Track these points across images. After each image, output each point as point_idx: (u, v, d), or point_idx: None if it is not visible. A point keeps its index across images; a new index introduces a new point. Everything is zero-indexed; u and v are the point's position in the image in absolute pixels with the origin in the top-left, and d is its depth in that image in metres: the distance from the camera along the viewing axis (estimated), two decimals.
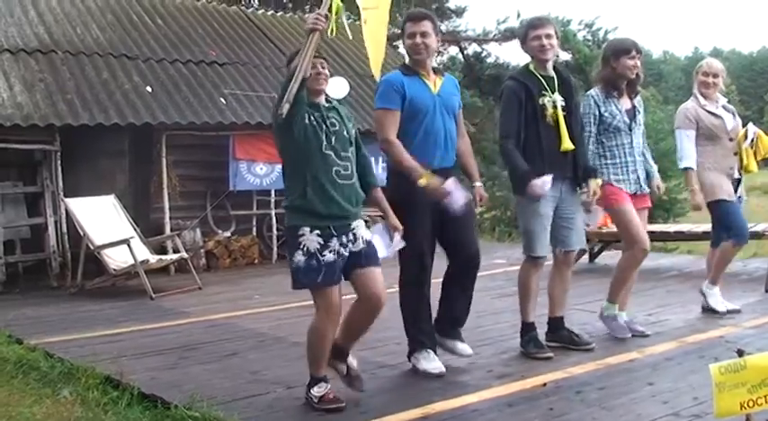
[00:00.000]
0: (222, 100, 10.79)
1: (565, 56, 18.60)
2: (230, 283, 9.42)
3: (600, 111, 5.58)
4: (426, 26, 4.91)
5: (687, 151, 6.34)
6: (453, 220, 4.87)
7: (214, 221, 10.96)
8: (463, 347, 5.11)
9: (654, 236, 9.66)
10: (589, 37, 19.00)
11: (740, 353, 3.78)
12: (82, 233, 8.91)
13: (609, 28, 19.98)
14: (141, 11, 12.44)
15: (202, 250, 10.63)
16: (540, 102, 5.18)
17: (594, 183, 5.35)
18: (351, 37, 5.19)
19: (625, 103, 5.67)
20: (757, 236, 8.03)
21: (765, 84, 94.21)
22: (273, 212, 11.08)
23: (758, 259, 10.00)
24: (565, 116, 5.22)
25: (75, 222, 9.08)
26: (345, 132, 4.36)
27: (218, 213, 11.00)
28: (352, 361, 4.58)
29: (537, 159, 5.12)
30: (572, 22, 19.57)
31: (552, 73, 5.31)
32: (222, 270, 10.63)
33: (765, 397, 3.72)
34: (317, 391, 4.33)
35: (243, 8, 14.47)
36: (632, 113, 5.68)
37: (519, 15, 20.02)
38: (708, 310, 6.48)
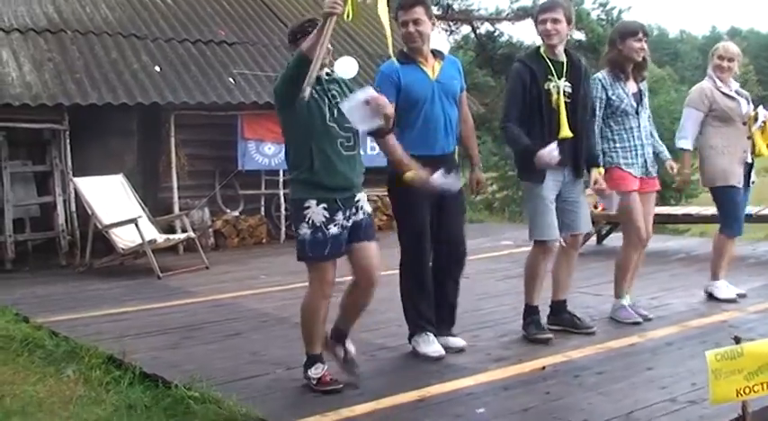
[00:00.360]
0: (231, 80, 10.79)
1: (578, 35, 18.47)
2: (237, 263, 9.46)
3: (607, 95, 5.55)
4: (418, 13, 4.85)
5: (689, 131, 6.29)
6: (443, 215, 4.91)
7: (222, 201, 10.99)
8: (455, 341, 5.09)
9: (661, 218, 9.64)
10: (603, 16, 18.85)
11: (737, 340, 3.77)
12: (90, 212, 8.97)
13: (623, 7, 19.81)
14: None
15: (210, 229, 10.67)
16: (546, 87, 5.13)
17: (596, 172, 5.33)
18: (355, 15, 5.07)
19: (632, 87, 5.64)
20: (763, 219, 7.97)
21: None
22: (282, 192, 11.06)
23: (767, 242, 9.95)
24: (570, 102, 5.17)
25: (83, 201, 9.14)
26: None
27: (226, 193, 11.02)
28: (350, 346, 4.59)
29: (540, 144, 5.06)
30: (585, 0, 19.38)
31: (562, 57, 5.24)
32: (230, 249, 10.67)
33: (762, 384, 3.71)
34: (314, 373, 4.36)
35: None
36: (639, 97, 5.66)
37: None
38: (714, 298, 6.42)
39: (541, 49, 5.25)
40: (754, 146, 6.40)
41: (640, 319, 5.68)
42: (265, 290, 7.57)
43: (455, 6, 21.03)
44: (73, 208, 9.71)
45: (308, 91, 3.96)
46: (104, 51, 10.57)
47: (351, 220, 4.32)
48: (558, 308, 5.56)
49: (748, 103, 6.45)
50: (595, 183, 5.34)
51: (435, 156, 4.85)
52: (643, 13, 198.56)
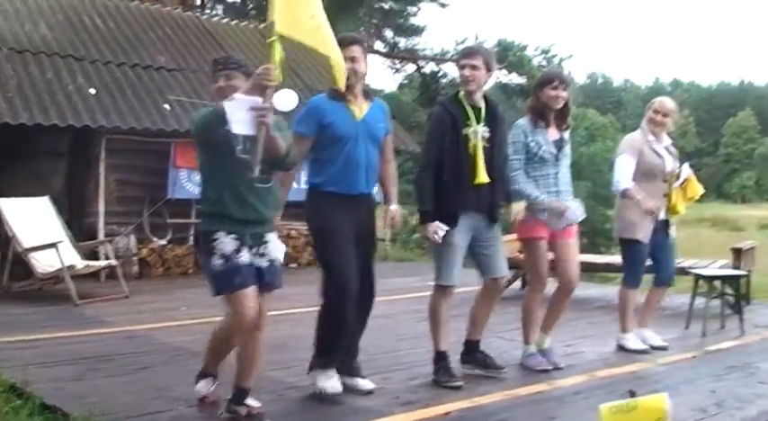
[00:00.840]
0: (167, 106, 10.73)
1: (519, 80, 18.80)
2: (160, 293, 9.33)
3: (527, 141, 5.61)
4: (356, 51, 4.87)
5: (625, 175, 6.31)
6: (358, 262, 4.89)
7: (150, 228, 10.87)
8: (364, 383, 5.06)
9: (583, 266, 9.78)
10: (544, 62, 19.22)
11: (632, 394, 3.84)
12: (11, 234, 8.79)
13: (563, 55, 20.23)
14: (93, 12, 12.37)
15: (135, 257, 10.52)
16: (464, 132, 5.20)
17: (517, 206, 5.37)
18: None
19: (552, 134, 5.70)
20: (683, 272, 8.12)
21: (722, 117, 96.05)
22: None
23: (685, 295, 10.11)
24: (488, 148, 5.24)
25: (4, 223, 8.94)
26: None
27: (154, 220, 10.91)
28: (253, 403, 4.51)
29: (455, 189, 5.14)
30: (528, 47, 19.76)
31: (481, 103, 5.32)
32: (154, 278, 10.54)
33: None
34: (201, 386, 4.45)
35: (198, 14, 14.38)
36: (559, 144, 5.71)
37: (477, 37, 20.26)
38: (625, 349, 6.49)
39: (460, 94, 5.32)
40: (669, 202, 6.49)
41: (549, 367, 5.71)
42: (183, 322, 7.47)
43: (401, 45, 21.28)
44: None
45: (257, 170, 4.02)
46: (39, 71, 10.45)
47: (257, 262, 4.29)
48: (472, 347, 5.59)
49: (674, 161, 6.54)
50: (516, 214, 5.41)
51: (353, 195, 4.88)
52: (589, 62, 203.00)
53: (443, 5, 22.22)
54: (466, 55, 5.32)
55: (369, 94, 5.07)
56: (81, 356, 6.01)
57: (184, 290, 9.61)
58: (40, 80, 10.28)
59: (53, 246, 8.43)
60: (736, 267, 8.30)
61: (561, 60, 19.27)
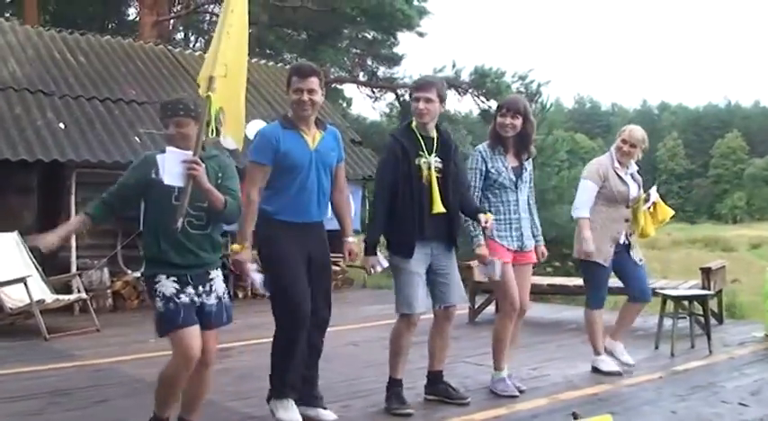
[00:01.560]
0: (137, 139, 10.74)
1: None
2: (131, 326, 9.27)
3: (486, 167, 5.62)
4: (314, 83, 4.84)
5: (585, 202, 6.37)
6: (313, 290, 4.88)
7: (124, 261, 10.83)
8: (326, 414, 5.02)
9: (555, 288, 9.83)
10: (522, 89, 19.30)
11: (575, 417, 3.83)
12: None
13: (542, 81, 20.33)
14: (64, 47, 12.42)
15: (109, 291, 10.48)
16: (416, 162, 5.20)
17: (485, 216, 5.30)
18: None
19: (512, 161, 5.71)
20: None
21: (710, 139, 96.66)
22: None
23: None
24: (441, 178, 5.25)
25: None
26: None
27: (129, 253, 10.87)
28: None
29: (410, 219, 5.14)
30: (506, 73, 19.85)
31: (433, 133, 5.33)
32: (129, 311, 10.49)
33: None
34: None
35: (170, 48, 14.45)
36: (519, 171, 5.72)
37: (454, 65, 20.28)
38: (599, 371, 6.46)
39: (413, 125, 5.33)
40: (637, 225, 6.52)
41: (517, 393, 5.69)
42: (150, 354, 7.36)
43: (379, 74, 21.36)
44: None
45: (179, 222, 4.04)
46: (8, 106, 10.48)
47: (200, 300, 4.27)
48: (435, 378, 5.56)
49: (639, 189, 6.57)
50: (486, 222, 5.34)
51: (305, 223, 4.88)
52: (577, 86, 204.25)
53: (421, 35, 22.34)
54: (420, 88, 5.29)
55: (321, 122, 5.05)
56: (42, 391, 5.98)
57: None
58: (8, 116, 10.30)
59: (21, 280, 8.38)
60: (705, 287, 8.29)
61: (539, 86, 19.36)
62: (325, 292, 5.05)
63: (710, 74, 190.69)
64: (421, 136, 5.28)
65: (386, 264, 5.19)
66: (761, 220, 75.64)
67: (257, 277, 4.81)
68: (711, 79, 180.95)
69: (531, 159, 5.91)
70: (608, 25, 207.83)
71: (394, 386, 5.34)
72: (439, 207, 5.19)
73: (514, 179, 5.66)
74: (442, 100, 5.32)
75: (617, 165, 6.45)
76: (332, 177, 5.09)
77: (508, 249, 5.66)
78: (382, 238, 5.31)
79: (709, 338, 7.32)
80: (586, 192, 6.41)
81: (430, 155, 5.25)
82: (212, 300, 4.32)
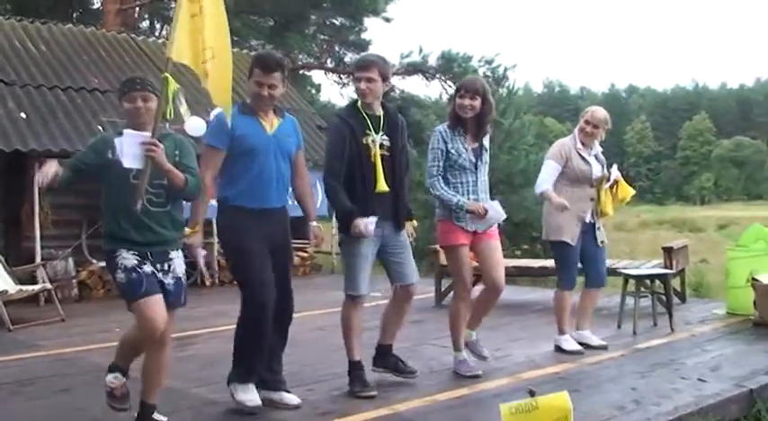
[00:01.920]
0: (100, 128, 10.64)
1: None
2: (97, 315, 9.22)
3: (447, 148, 5.62)
4: (276, 78, 4.82)
5: (546, 179, 6.40)
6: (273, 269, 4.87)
7: (89, 251, 10.77)
8: (290, 398, 5.02)
9: (520, 270, 9.87)
10: (489, 73, 19.35)
11: (532, 394, 3.85)
12: None
13: (508, 65, 20.38)
14: (25, 36, 12.28)
15: (74, 280, 10.41)
16: (364, 141, 5.21)
17: (410, 226, 5.42)
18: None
19: (471, 142, 5.70)
20: (614, 273, 8.19)
21: (678, 121, 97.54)
22: None
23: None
24: (388, 156, 5.27)
25: None
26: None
27: (94, 242, 10.76)
28: (161, 418, 4.56)
29: (359, 198, 5.14)
30: (473, 58, 19.89)
31: (379, 111, 5.33)
32: (95, 301, 10.44)
33: None
34: (111, 380, 4.51)
35: (133, 36, 14.31)
36: (479, 152, 5.71)
37: (421, 50, 20.28)
38: (561, 350, 6.53)
39: (358, 104, 5.33)
40: (597, 208, 6.56)
41: (479, 373, 5.72)
42: (114, 344, 7.33)
43: (346, 60, 21.29)
44: None
45: (139, 204, 4.11)
46: None
47: (159, 278, 4.31)
48: (384, 351, 5.62)
49: (602, 169, 6.61)
50: (411, 236, 5.44)
51: (265, 209, 4.86)
52: (545, 70, 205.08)
53: (388, 20, 22.38)
54: (361, 67, 5.28)
55: (279, 109, 5.04)
56: (5, 381, 5.96)
57: (122, 311, 9.25)
58: None
59: None
60: (668, 266, 8.38)
61: (506, 70, 19.42)
62: (287, 278, 5.04)
63: (678, 56, 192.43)
64: (367, 114, 5.28)
65: (374, 222, 5.12)
66: (728, 201, 76.60)
67: (201, 253, 4.79)
68: (679, 62, 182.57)
69: (487, 138, 5.87)
70: (576, 9, 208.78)
71: (355, 369, 5.36)
72: (382, 185, 5.20)
73: (474, 160, 5.65)
74: (385, 78, 5.30)
75: (580, 146, 6.50)
76: (291, 164, 5.06)
77: (465, 231, 5.66)
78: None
79: (670, 316, 7.41)
80: (547, 170, 6.45)
81: (377, 133, 5.26)
82: (170, 280, 4.36)
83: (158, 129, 4.18)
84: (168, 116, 4.24)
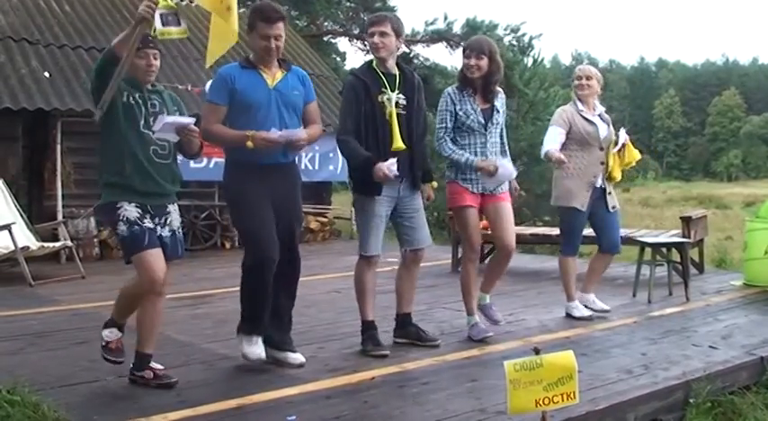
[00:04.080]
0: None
1: None
2: (116, 274, 9.21)
3: (455, 109, 5.58)
4: (280, 28, 4.78)
5: (550, 140, 6.34)
6: (278, 235, 4.84)
7: None
8: (294, 357, 5.01)
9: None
10: (514, 42, 19.22)
11: (536, 351, 3.86)
12: None
13: (533, 34, 20.21)
14: None
15: (96, 239, 10.53)
16: (379, 99, 5.19)
17: (429, 187, 5.40)
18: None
19: (481, 103, 5.65)
20: (630, 241, 8.17)
21: (708, 96, 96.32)
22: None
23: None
24: (404, 115, 5.25)
25: None
26: (166, 114, 4.42)
27: None
28: (156, 365, 4.65)
29: (374, 156, 5.12)
30: (498, 26, 19.75)
31: (395, 70, 5.31)
32: (115, 259, 10.51)
33: (562, 394, 3.81)
34: (107, 334, 4.58)
35: None
36: (489, 113, 5.65)
37: (446, 17, 20.19)
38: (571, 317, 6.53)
39: (374, 63, 5.31)
40: (607, 169, 6.52)
41: (490, 334, 5.74)
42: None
43: None
44: None
45: (98, 114, 4.19)
46: None
47: (158, 232, 4.39)
48: (404, 320, 5.62)
49: (608, 127, 6.55)
50: (428, 198, 5.45)
51: (269, 164, 4.81)
52: (574, 42, 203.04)
53: None
54: (374, 23, 5.26)
55: (285, 62, 4.97)
56: (23, 333, 6.07)
57: None
58: None
59: (6, 227, 8.42)
60: (686, 236, 8.34)
61: (531, 39, 19.27)
62: (293, 237, 5.00)
63: (709, 30, 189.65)
64: (382, 73, 5.26)
65: (395, 163, 5.08)
66: (756, 178, 75.73)
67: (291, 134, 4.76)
68: (710, 36, 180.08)
69: (503, 102, 5.82)
70: None
71: (368, 329, 5.39)
72: (399, 143, 5.17)
73: (483, 122, 5.60)
74: (398, 35, 5.28)
75: (581, 107, 6.46)
76: (299, 118, 4.98)
77: (473, 193, 5.64)
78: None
79: (686, 286, 7.38)
80: (550, 135, 6.41)
81: (392, 91, 5.24)
82: (167, 233, 4.47)
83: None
84: (153, 33, 4.30)
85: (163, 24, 4.22)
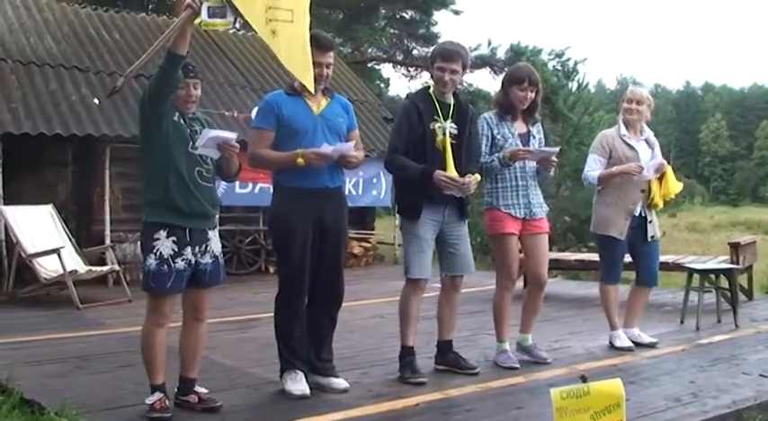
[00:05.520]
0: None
1: None
2: None
3: (492, 134, 5.61)
4: (331, 57, 4.91)
5: (593, 170, 6.27)
6: (322, 257, 4.90)
7: None
8: (338, 382, 5.03)
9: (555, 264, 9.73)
10: (558, 67, 19.17)
11: (584, 379, 3.82)
12: (15, 241, 8.97)
13: (578, 58, 20.14)
14: (99, 24, 12.61)
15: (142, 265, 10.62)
16: (431, 126, 5.21)
17: (474, 177, 5.21)
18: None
19: (520, 128, 5.70)
20: (678, 268, 8.08)
21: (755, 120, 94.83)
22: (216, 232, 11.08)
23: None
24: (456, 144, 5.24)
25: (9, 230, 9.12)
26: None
27: None
28: (200, 389, 4.68)
29: (423, 182, 5.12)
30: (543, 51, 19.72)
31: (450, 100, 5.33)
32: None
33: None
34: (149, 399, 4.44)
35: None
36: (526, 138, 5.70)
37: (490, 43, 20.19)
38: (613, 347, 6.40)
39: (431, 90, 5.34)
40: (649, 200, 6.32)
41: (517, 365, 5.65)
42: (178, 324, 7.51)
43: (415, 53, 21.27)
44: (2, 236, 9.68)
45: (121, 81, 4.36)
46: (44, 82, 10.66)
47: (197, 260, 4.42)
48: (444, 348, 5.59)
49: (653, 152, 6.37)
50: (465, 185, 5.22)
51: (316, 189, 4.86)
52: (619, 66, 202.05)
53: (457, 13, 22.36)
54: (446, 59, 5.24)
55: (328, 90, 5.05)
56: (70, 355, 6.14)
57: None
58: (44, 91, 10.50)
59: (55, 251, 8.57)
60: (734, 262, 8.21)
61: (576, 63, 19.19)
62: (335, 262, 5.04)
63: (756, 53, 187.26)
64: (437, 101, 5.29)
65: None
66: None
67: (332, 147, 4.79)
68: (757, 59, 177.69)
69: (539, 128, 5.87)
70: (650, 2, 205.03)
71: (406, 354, 5.36)
72: (452, 170, 5.15)
73: (521, 146, 5.60)
74: (465, 68, 5.32)
75: (624, 132, 6.29)
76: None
77: (515, 218, 5.63)
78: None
79: (735, 312, 7.26)
80: (589, 164, 6.32)
81: (446, 120, 5.26)
82: (207, 259, 4.49)
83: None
84: (198, 23, 4.30)
85: (209, 16, 4.25)
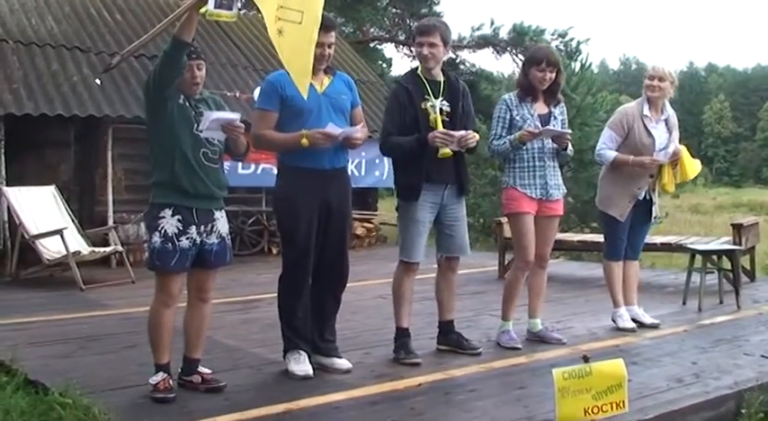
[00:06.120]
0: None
1: None
2: None
3: (512, 115, 5.61)
4: (332, 37, 4.89)
5: (609, 148, 6.22)
6: (327, 238, 4.91)
7: None
8: (341, 362, 5.05)
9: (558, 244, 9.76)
10: (561, 47, 19.09)
11: (586, 360, 3.84)
12: (18, 222, 8.97)
13: (581, 38, 20.06)
14: (101, 5, 12.56)
15: (145, 244, 10.63)
16: (423, 106, 5.20)
17: (471, 132, 5.19)
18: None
19: (540, 108, 5.69)
20: (680, 248, 8.07)
21: (758, 101, 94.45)
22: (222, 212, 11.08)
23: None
24: (449, 121, 5.22)
25: (11, 211, 9.13)
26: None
27: None
28: (203, 369, 4.69)
29: (417, 164, 5.14)
30: (546, 31, 19.62)
31: (440, 77, 5.32)
32: None
33: (611, 403, 3.79)
34: (152, 379, 4.44)
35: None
36: (547, 118, 5.67)
37: (493, 23, 20.12)
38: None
39: (419, 70, 5.33)
40: (656, 183, 6.31)
41: (519, 345, 5.67)
42: (181, 304, 7.51)
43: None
44: (5, 218, 9.69)
45: (116, 59, 4.53)
46: (45, 63, 10.63)
47: (202, 240, 4.42)
48: (446, 328, 5.60)
49: (670, 135, 6.27)
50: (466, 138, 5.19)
51: (321, 169, 4.86)
52: (622, 47, 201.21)
53: None
54: (423, 32, 5.26)
55: (330, 68, 5.03)
56: (73, 336, 6.16)
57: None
58: (45, 72, 10.47)
59: (58, 232, 8.57)
60: (737, 243, 8.20)
61: (579, 44, 19.15)
62: (340, 242, 5.04)
63: (760, 34, 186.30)
64: (426, 80, 5.27)
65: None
66: None
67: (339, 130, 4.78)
68: (761, 40, 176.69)
69: (563, 109, 5.86)
70: None
71: (401, 336, 5.38)
72: (445, 149, 5.12)
73: (540, 127, 5.58)
74: (446, 43, 5.30)
75: (646, 112, 6.21)
76: (348, 121, 5.03)
77: (531, 198, 5.64)
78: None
79: (737, 294, 7.26)
80: (604, 140, 6.28)
81: (436, 98, 5.24)
82: (213, 239, 4.49)
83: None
84: (203, 13, 4.26)
85: (215, 6, 4.23)
